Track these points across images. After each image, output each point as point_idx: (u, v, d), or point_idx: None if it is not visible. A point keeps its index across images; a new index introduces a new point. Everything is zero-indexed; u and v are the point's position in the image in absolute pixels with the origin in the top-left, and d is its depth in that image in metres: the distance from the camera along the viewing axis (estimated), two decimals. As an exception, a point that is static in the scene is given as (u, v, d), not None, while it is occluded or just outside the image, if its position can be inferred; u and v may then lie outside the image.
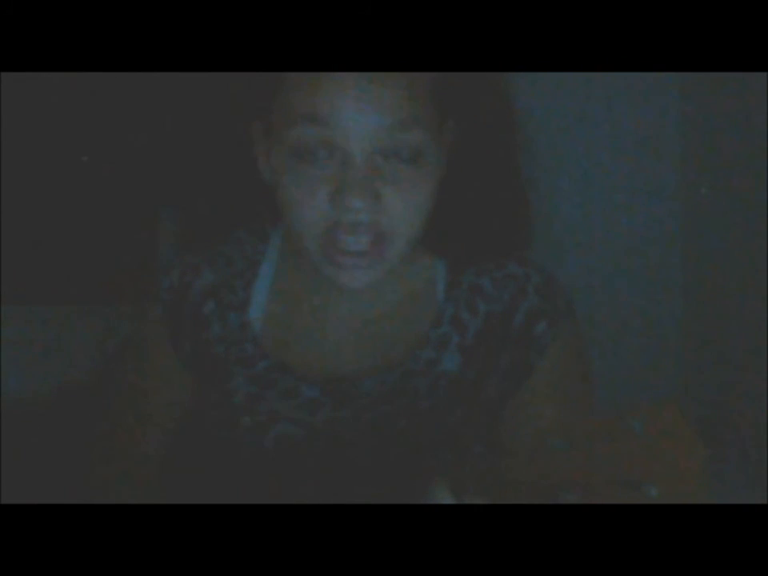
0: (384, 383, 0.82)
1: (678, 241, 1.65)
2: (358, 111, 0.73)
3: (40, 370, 1.34)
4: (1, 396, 1.25)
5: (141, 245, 1.30)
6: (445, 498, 0.60)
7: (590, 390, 0.84)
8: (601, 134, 1.61)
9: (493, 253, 0.85)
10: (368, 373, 0.83)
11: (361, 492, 0.78)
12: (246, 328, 0.86)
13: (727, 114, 1.48)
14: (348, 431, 0.82)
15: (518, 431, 0.82)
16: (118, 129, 1.36)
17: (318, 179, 0.75)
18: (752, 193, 1.44)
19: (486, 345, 0.83)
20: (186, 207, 0.92)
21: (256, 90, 0.78)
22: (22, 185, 1.37)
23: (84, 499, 0.86)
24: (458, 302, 0.84)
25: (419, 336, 0.84)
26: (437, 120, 0.77)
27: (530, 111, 1.58)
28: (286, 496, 0.80)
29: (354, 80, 0.73)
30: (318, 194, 0.75)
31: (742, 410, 1.48)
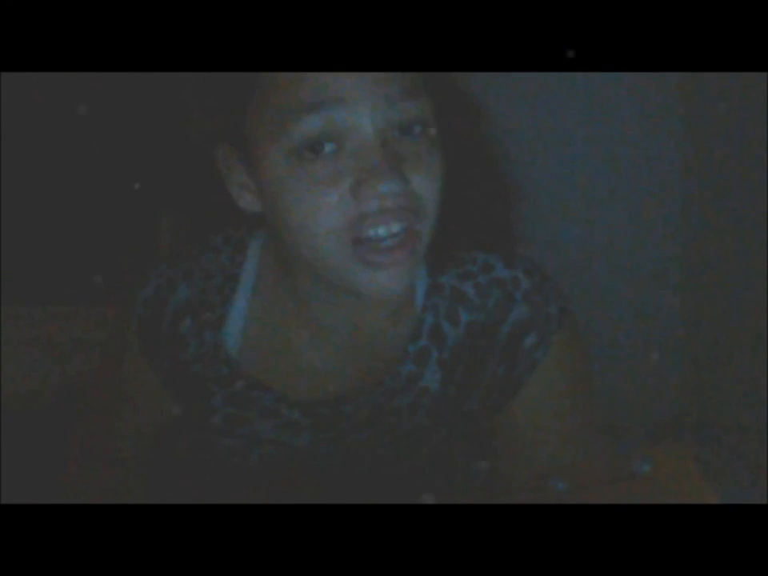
0: (365, 405, 0.79)
1: (678, 241, 1.65)
2: (363, 86, 0.67)
3: (40, 370, 1.34)
4: (1, 396, 1.25)
5: (141, 245, 1.30)
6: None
7: (592, 404, 0.79)
8: (601, 134, 1.61)
9: (475, 247, 0.80)
10: (349, 395, 0.79)
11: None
12: (221, 348, 0.81)
13: (727, 114, 1.48)
14: (332, 454, 0.80)
15: (518, 464, 0.76)
16: (117, 129, 1.36)
17: (332, 174, 0.68)
18: (752, 192, 1.44)
19: (467, 359, 0.78)
20: (172, 212, 0.90)
21: (223, 111, 0.73)
22: (22, 185, 1.37)
23: (83, 499, 0.86)
24: (437, 311, 0.78)
25: (399, 351, 0.79)
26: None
27: (529, 111, 1.58)
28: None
29: None
30: (338, 189, 0.68)
31: (741, 409, 1.48)
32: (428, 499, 0.59)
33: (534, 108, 1.57)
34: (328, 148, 0.68)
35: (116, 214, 1.38)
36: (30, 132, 1.37)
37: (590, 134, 1.61)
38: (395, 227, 0.69)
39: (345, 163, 0.68)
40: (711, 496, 0.51)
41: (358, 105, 0.67)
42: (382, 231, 0.69)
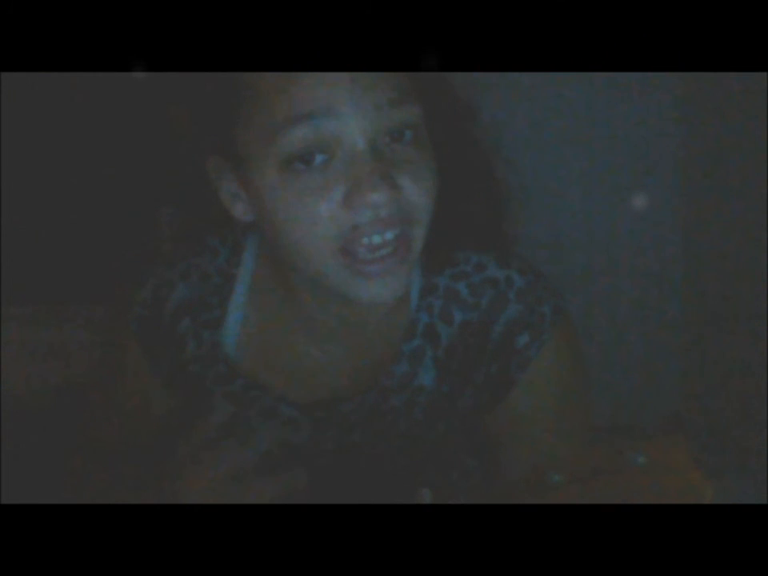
0: (363, 404, 0.79)
1: (679, 241, 1.65)
2: (351, 95, 0.67)
3: (40, 370, 1.34)
4: (1, 396, 1.26)
5: (141, 244, 1.30)
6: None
7: (586, 403, 0.79)
8: (601, 134, 1.61)
9: (469, 248, 0.80)
10: (347, 395, 0.80)
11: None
12: (219, 347, 0.82)
13: (727, 114, 1.48)
14: (331, 451, 0.81)
15: (512, 460, 0.77)
16: (116, 129, 1.36)
17: (324, 185, 0.67)
18: (752, 192, 1.44)
19: (460, 358, 0.78)
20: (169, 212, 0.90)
21: (212, 124, 0.72)
22: (22, 185, 1.37)
23: (84, 499, 0.86)
24: (432, 311, 0.79)
25: (394, 351, 0.79)
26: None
27: (529, 111, 1.58)
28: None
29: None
30: (329, 200, 0.67)
31: (742, 410, 1.49)
32: (425, 494, 0.59)
33: (533, 108, 1.57)
34: (318, 159, 0.68)
35: (115, 214, 1.38)
36: (30, 132, 1.37)
37: (590, 134, 1.61)
38: (389, 234, 0.69)
39: (336, 173, 0.68)
40: (706, 487, 0.52)
41: (347, 114, 0.67)
42: (376, 239, 0.69)
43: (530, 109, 1.56)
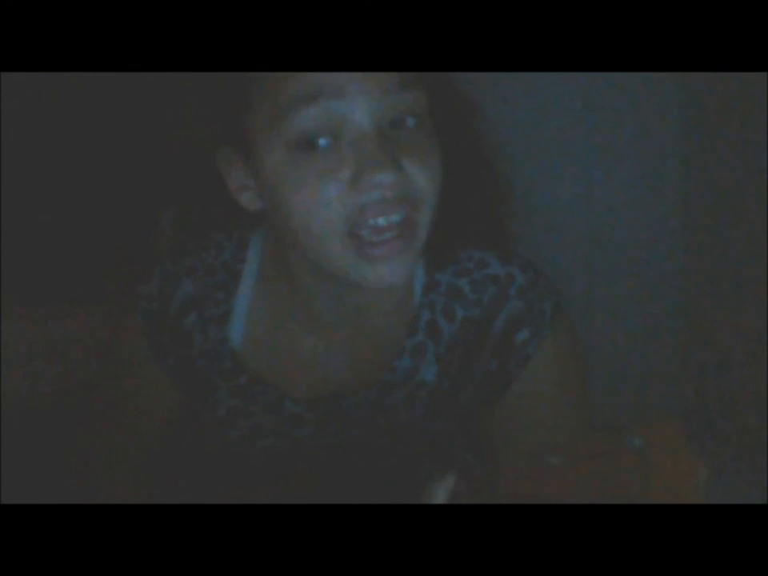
0: (366, 399, 0.80)
1: (679, 241, 1.65)
2: (358, 78, 0.68)
3: (40, 370, 1.34)
4: (1, 396, 1.25)
5: (141, 244, 1.30)
6: (438, 497, 0.59)
7: (584, 400, 0.80)
8: (601, 133, 1.61)
9: (471, 245, 0.81)
10: (350, 391, 0.80)
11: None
12: (226, 342, 0.83)
13: (727, 113, 1.48)
14: (334, 446, 0.81)
15: (513, 450, 0.77)
16: (117, 129, 1.36)
17: (331, 167, 0.68)
18: (752, 192, 1.44)
19: (462, 353, 0.79)
20: (173, 210, 0.90)
21: (223, 114, 0.73)
22: (22, 185, 1.37)
23: (83, 499, 0.86)
24: (434, 307, 0.80)
25: (397, 346, 0.80)
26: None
27: (531, 110, 1.58)
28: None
29: None
30: (337, 182, 0.68)
31: (742, 409, 1.48)
32: (449, 478, 0.59)
33: (534, 107, 1.57)
34: (325, 140, 0.68)
35: (116, 213, 1.38)
36: (30, 132, 1.37)
37: (591, 133, 1.61)
38: (394, 217, 0.70)
39: (343, 155, 0.69)
40: (702, 471, 0.52)
41: (354, 96, 0.68)
42: (381, 221, 0.69)
43: (531, 108, 1.56)
